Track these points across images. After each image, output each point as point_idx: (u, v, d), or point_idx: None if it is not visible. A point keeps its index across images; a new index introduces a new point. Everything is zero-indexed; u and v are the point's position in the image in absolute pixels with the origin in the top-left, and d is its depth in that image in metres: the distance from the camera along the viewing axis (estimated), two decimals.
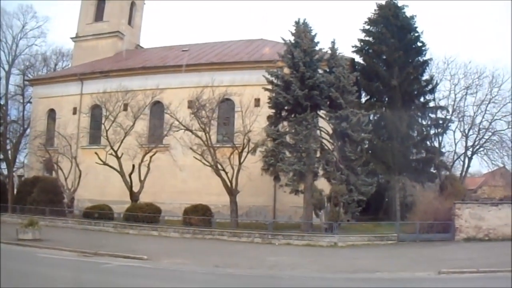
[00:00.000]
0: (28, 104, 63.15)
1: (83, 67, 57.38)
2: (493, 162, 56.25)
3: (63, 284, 17.49)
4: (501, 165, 58.84)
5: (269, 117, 38.84)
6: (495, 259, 24.94)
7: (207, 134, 39.27)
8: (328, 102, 37.45)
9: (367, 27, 50.97)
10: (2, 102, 56.78)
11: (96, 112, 51.75)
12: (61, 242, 29.59)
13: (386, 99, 48.80)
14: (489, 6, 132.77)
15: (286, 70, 38.34)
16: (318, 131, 37.92)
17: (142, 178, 41.34)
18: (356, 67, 48.12)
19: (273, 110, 38.52)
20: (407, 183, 46.52)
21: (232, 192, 38.97)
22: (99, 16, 63.33)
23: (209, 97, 40.02)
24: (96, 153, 43.06)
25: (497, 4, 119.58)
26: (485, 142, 54.38)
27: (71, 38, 64.53)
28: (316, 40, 38.69)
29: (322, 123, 38.41)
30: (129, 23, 64.98)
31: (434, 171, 50.37)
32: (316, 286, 20.19)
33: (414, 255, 28.89)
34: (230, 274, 21.75)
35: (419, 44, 50.15)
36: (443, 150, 53.87)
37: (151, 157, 41.62)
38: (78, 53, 63.09)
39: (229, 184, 38.91)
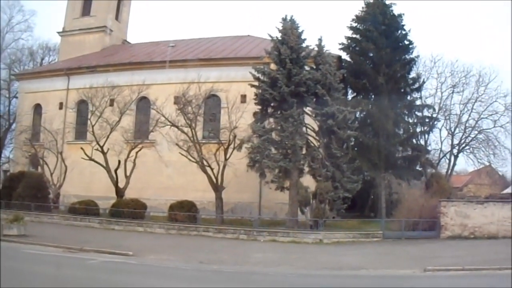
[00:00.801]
0: (14, 99, 62.93)
1: (69, 62, 57.15)
2: (479, 160, 57.00)
3: (47, 280, 17.39)
4: (487, 164, 59.29)
5: (255, 114, 38.80)
6: (481, 257, 25.18)
7: (193, 130, 39.23)
8: (314, 99, 37.45)
9: (354, 24, 50.89)
10: None
11: (82, 107, 51.50)
12: (46, 237, 29.51)
13: (373, 96, 48.80)
14: (476, 5, 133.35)
15: (273, 67, 38.24)
16: (304, 128, 37.84)
17: (128, 174, 41.27)
18: (343, 64, 47.99)
19: (259, 107, 38.44)
20: (392, 181, 46.69)
21: (217, 188, 38.99)
22: (86, 10, 62.92)
23: (195, 93, 39.94)
24: (82, 148, 42.80)
25: (484, 4, 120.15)
26: (471, 141, 54.99)
27: (58, 32, 64.25)
28: (303, 37, 38.63)
29: (308, 120, 38.39)
30: (116, 18, 64.68)
31: (420, 169, 50.53)
32: (302, 282, 20.16)
33: (400, 252, 29.12)
34: (215, 271, 21.78)
35: (406, 42, 50.17)
36: (429, 148, 54.49)
37: (137, 152, 41.51)
38: (65, 48, 62.77)
39: (214, 180, 38.91)
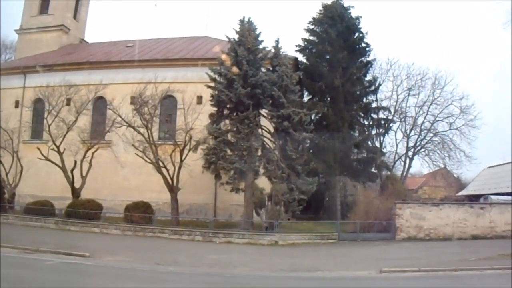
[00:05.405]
0: None
1: (26, 60, 56.21)
2: (434, 162, 57.83)
3: (4, 281, 17.24)
4: (442, 166, 60.12)
5: (211, 115, 38.73)
6: (436, 258, 25.77)
7: (149, 131, 39.00)
8: (270, 101, 37.63)
9: (311, 26, 51.31)
10: None
11: (38, 106, 50.57)
12: (1, 238, 29.08)
13: (329, 99, 49.35)
14: (434, 9, 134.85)
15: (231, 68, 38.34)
16: (259, 130, 38.01)
17: (84, 174, 40.86)
18: (300, 66, 48.47)
19: (215, 108, 38.36)
20: (348, 183, 47.21)
21: (173, 189, 38.88)
22: (44, 8, 62.09)
23: (152, 94, 39.72)
24: (38, 148, 42.20)
25: (446, 7, 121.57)
26: (426, 143, 55.81)
27: (15, 30, 63.26)
28: (260, 38, 38.68)
29: (264, 121, 38.50)
30: (75, 17, 63.94)
31: (375, 171, 51.15)
32: (257, 283, 20.46)
33: (355, 254, 29.53)
34: (171, 272, 21.90)
35: (363, 45, 50.91)
36: (384, 150, 55.14)
37: (93, 153, 41.09)
38: (22, 45, 61.97)
39: (170, 181, 38.76)
